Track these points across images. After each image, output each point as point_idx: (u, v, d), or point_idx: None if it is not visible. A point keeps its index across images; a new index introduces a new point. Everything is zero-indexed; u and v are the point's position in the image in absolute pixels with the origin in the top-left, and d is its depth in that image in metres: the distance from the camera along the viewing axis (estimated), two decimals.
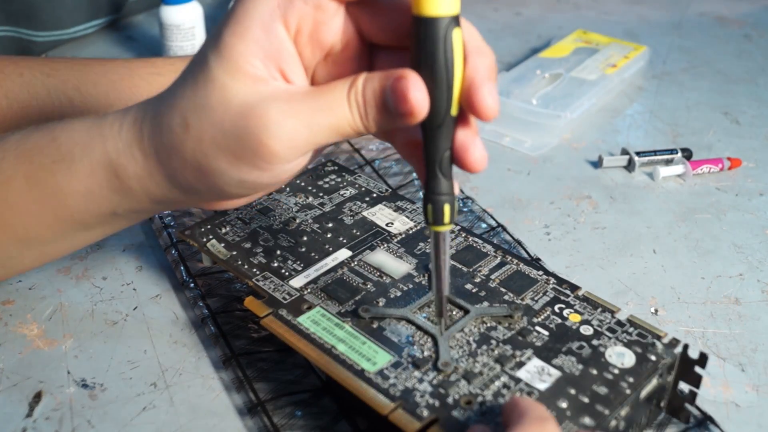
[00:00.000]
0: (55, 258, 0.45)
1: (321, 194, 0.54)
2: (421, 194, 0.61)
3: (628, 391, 0.38)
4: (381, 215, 0.52)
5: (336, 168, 0.58)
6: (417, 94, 0.32)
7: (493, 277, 0.46)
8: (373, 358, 0.40)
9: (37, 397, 0.44)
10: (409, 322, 0.42)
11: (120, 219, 0.41)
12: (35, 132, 0.41)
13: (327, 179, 0.56)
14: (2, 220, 0.41)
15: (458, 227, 0.50)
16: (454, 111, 0.34)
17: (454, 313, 0.43)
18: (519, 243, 0.56)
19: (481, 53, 0.34)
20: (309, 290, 0.45)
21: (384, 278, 0.46)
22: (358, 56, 0.36)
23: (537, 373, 0.39)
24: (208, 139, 0.35)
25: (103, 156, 0.38)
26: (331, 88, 0.34)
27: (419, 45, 0.33)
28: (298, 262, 0.47)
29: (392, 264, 0.47)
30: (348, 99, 0.34)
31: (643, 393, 0.39)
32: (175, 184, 0.38)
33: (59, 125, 0.40)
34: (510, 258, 0.47)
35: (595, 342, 0.41)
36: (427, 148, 0.35)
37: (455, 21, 0.33)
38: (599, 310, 0.43)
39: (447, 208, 0.35)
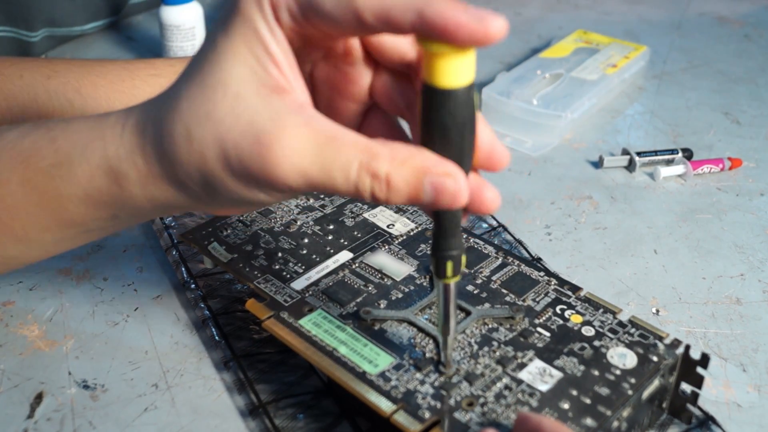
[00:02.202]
0: (57, 253, 0.43)
1: (322, 196, 0.54)
2: None
3: (629, 392, 0.38)
4: (382, 217, 0.52)
5: None
6: (463, 193, 0.31)
7: (494, 278, 0.46)
8: (374, 360, 0.40)
9: (38, 398, 0.44)
10: (411, 324, 0.42)
11: (121, 221, 0.40)
12: (33, 131, 0.39)
13: None
14: (0, 222, 0.40)
15: None
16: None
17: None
18: (520, 243, 0.56)
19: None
20: (310, 292, 0.45)
21: (385, 280, 0.46)
22: (361, 64, 0.35)
23: (539, 375, 0.39)
24: (212, 158, 0.33)
25: (103, 161, 0.37)
26: (345, 138, 0.32)
27: (432, 115, 0.31)
28: (300, 265, 0.47)
29: (393, 266, 0.47)
30: (357, 177, 0.31)
31: (645, 394, 0.39)
32: (180, 191, 0.36)
33: (59, 124, 0.39)
34: (511, 259, 0.47)
35: (596, 343, 0.41)
36: (437, 212, 0.34)
37: (472, 87, 0.31)
38: (601, 311, 0.43)
39: (450, 265, 0.35)
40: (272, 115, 0.32)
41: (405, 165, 0.31)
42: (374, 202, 0.32)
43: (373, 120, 0.37)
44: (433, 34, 0.29)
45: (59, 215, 0.39)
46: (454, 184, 0.31)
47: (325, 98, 0.37)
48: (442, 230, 0.34)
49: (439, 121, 0.31)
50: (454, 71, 0.30)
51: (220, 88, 0.32)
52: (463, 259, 0.35)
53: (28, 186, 0.38)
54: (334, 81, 0.36)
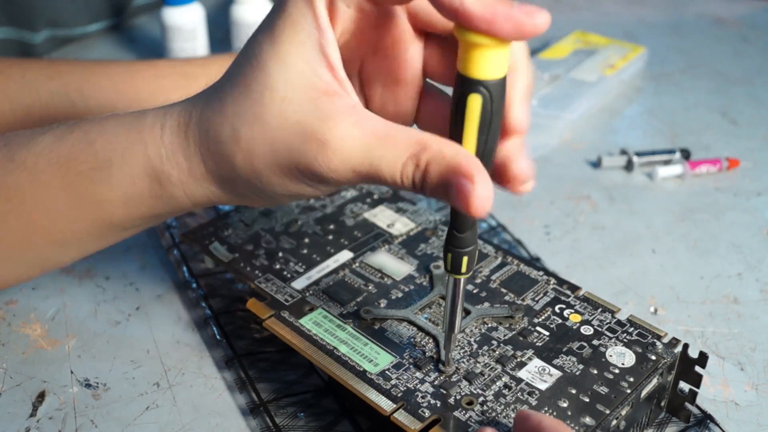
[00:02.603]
0: (92, 253, 0.44)
1: (322, 196, 0.54)
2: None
3: (628, 391, 0.38)
4: (382, 217, 0.52)
5: None
6: (480, 202, 0.31)
7: (493, 277, 0.46)
8: (374, 359, 0.40)
9: (41, 396, 0.44)
10: (411, 323, 0.43)
11: (159, 219, 0.41)
12: (68, 134, 0.39)
13: None
14: (38, 225, 0.40)
15: None
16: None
17: None
18: (519, 242, 0.56)
19: (520, 73, 0.33)
20: (311, 292, 0.45)
21: (385, 279, 0.46)
22: (410, 46, 0.35)
23: (538, 373, 0.39)
24: (261, 154, 0.33)
25: (145, 163, 0.37)
26: (394, 139, 0.32)
27: (462, 104, 0.32)
28: (300, 264, 0.47)
29: (393, 265, 0.47)
30: (402, 169, 0.32)
31: (644, 392, 0.39)
32: (223, 189, 0.37)
33: (95, 127, 0.39)
34: (510, 258, 0.48)
35: (595, 342, 0.41)
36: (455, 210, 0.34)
37: (504, 80, 0.31)
38: (599, 310, 0.44)
39: (465, 260, 0.35)
40: (322, 115, 0.32)
41: (443, 157, 0.31)
42: (415, 192, 0.33)
43: (429, 103, 0.37)
44: (475, 26, 0.29)
45: (99, 218, 0.39)
46: (476, 193, 0.31)
47: (378, 92, 0.37)
48: (460, 225, 0.34)
49: (462, 113, 0.31)
50: (491, 63, 0.30)
51: (267, 92, 0.33)
52: (475, 255, 0.36)
53: (69, 190, 0.38)
54: (387, 71, 0.36)
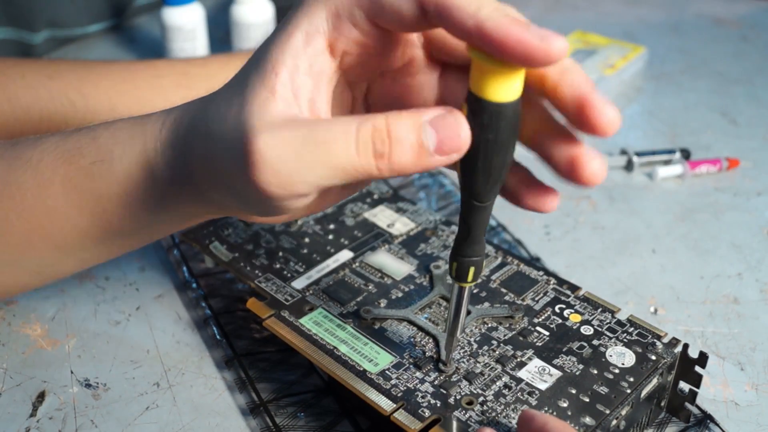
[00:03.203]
0: (93, 264, 0.44)
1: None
2: (422, 194, 0.61)
3: (628, 391, 0.38)
4: (382, 216, 0.52)
5: None
6: (464, 132, 0.30)
7: (493, 277, 0.46)
8: (374, 359, 0.40)
9: (41, 396, 0.44)
10: (411, 323, 0.43)
11: (156, 227, 0.40)
12: (76, 132, 0.39)
13: None
14: (39, 226, 0.40)
15: None
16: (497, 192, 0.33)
17: None
18: (519, 242, 0.56)
19: (571, 71, 0.30)
20: (311, 292, 0.45)
21: (385, 279, 0.46)
22: (423, 74, 0.34)
23: (538, 373, 0.39)
24: (218, 155, 0.32)
25: (142, 155, 0.37)
26: (333, 120, 0.30)
27: (474, 125, 0.30)
28: (300, 264, 0.47)
29: (393, 265, 0.47)
30: (357, 135, 0.30)
31: (644, 392, 0.39)
32: (203, 194, 0.36)
33: (102, 124, 0.39)
34: (510, 258, 0.48)
35: (595, 342, 0.41)
36: (465, 216, 0.33)
37: (519, 102, 0.30)
38: (599, 310, 0.44)
39: (472, 270, 0.35)
40: (258, 120, 0.31)
41: (402, 114, 0.30)
42: (368, 175, 0.30)
43: (454, 80, 0.35)
44: (489, 48, 0.28)
45: (99, 217, 0.39)
46: (453, 118, 0.30)
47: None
48: (469, 235, 0.34)
49: (481, 132, 0.30)
50: (504, 87, 0.29)
51: (237, 90, 0.32)
52: (482, 265, 0.35)
53: (69, 185, 0.38)
54: (394, 96, 0.35)
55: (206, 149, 0.33)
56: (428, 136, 0.30)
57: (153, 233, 0.41)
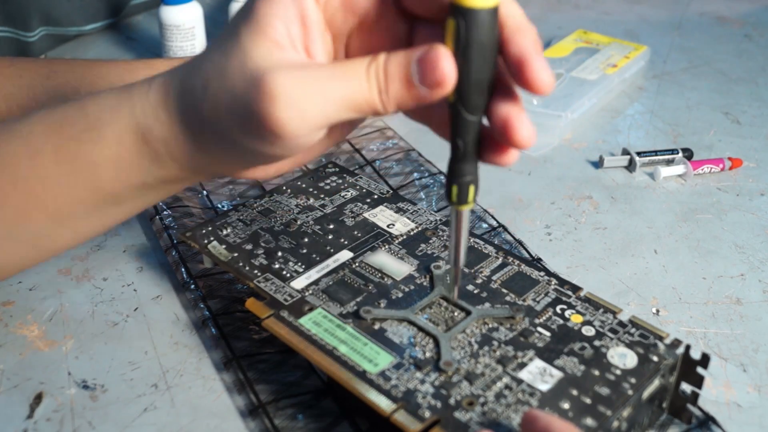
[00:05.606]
0: (87, 237, 0.44)
1: (322, 196, 0.54)
2: (422, 194, 0.61)
3: (630, 392, 0.38)
4: (382, 216, 0.52)
5: (337, 170, 0.58)
6: (446, 64, 0.32)
7: (494, 278, 0.46)
8: (374, 359, 0.40)
9: (38, 398, 0.44)
10: (411, 323, 0.42)
11: (151, 191, 0.41)
12: (63, 104, 0.40)
13: (328, 181, 0.56)
14: (33, 196, 0.41)
15: None
16: (484, 102, 0.34)
17: (456, 314, 0.43)
18: (520, 243, 0.56)
19: (524, 31, 0.33)
20: (310, 292, 0.45)
21: (385, 279, 0.46)
22: (396, 27, 0.36)
23: (539, 374, 0.39)
24: (223, 104, 0.35)
25: (131, 119, 0.38)
26: (350, 60, 0.34)
27: (456, 31, 0.32)
28: (300, 264, 0.47)
29: (393, 265, 0.47)
30: (367, 72, 0.33)
31: (645, 394, 0.39)
32: (197, 148, 0.38)
33: (88, 95, 0.40)
34: (511, 259, 0.47)
35: (597, 343, 0.41)
36: (456, 134, 0.35)
37: (495, 11, 0.32)
38: (601, 310, 0.43)
39: (472, 189, 0.36)
40: (272, 64, 0.33)
41: (399, 52, 0.33)
42: (375, 109, 0.34)
43: (423, 36, 0.38)
44: None
45: (91, 183, 0.40)
46: (440, 55, 0.32)
47: None
48: (463, 154, 0.35)
49: (461, 40, 0.32)
50: None
51: (234, 47, 0.34)
52: (478, 183, 0.36)
53: (60, 154, 0.39)
54: (371, 47, 0.37)
55: (209, 102, 0.35)
56: (414, 71, 0.33)
57: (146, 198, 0.42)
